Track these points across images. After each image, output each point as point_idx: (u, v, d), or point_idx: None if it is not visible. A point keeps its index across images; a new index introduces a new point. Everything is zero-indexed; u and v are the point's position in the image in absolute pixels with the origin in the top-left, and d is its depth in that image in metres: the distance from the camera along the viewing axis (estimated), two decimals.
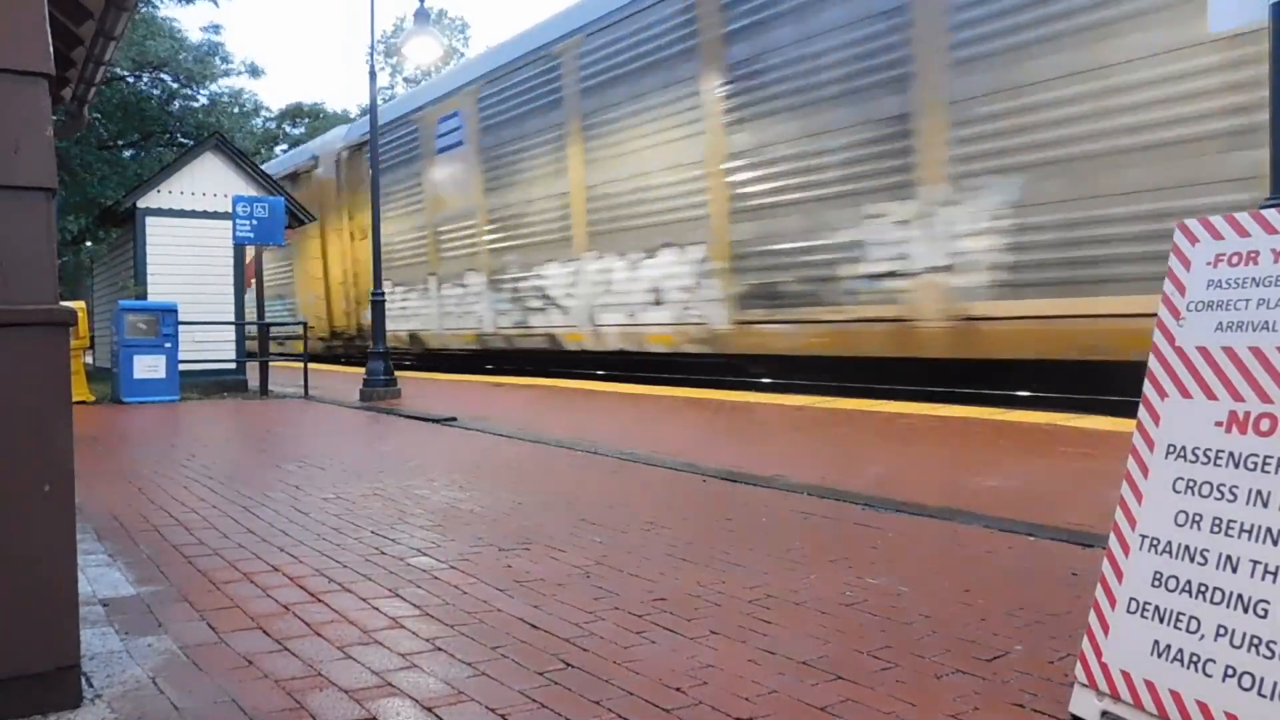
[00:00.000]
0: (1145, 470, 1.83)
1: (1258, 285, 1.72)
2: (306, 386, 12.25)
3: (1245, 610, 1.60)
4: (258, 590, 2.98)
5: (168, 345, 11.16)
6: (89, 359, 15.40)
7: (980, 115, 8.32)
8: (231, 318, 12.83)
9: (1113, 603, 1.81)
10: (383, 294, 12.06)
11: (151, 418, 9.31)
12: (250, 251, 13.40)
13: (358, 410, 10.08)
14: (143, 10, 14.83)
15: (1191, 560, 1.70)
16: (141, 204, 12.54)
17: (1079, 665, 1.85)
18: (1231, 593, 1.62)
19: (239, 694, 2.11)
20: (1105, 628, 1.81)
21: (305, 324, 15.70)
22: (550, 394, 11.28)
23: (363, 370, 11.93)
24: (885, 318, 9.26)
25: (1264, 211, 1.77)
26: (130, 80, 16.33)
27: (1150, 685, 1.70)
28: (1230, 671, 1.59)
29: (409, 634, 2.54)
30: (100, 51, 5.77)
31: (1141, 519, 1.81)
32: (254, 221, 11.85)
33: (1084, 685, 1.83)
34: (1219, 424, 1.72)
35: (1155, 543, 1.78)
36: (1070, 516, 3.90)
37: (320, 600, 2.86)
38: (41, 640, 1.98)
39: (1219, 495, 1.69)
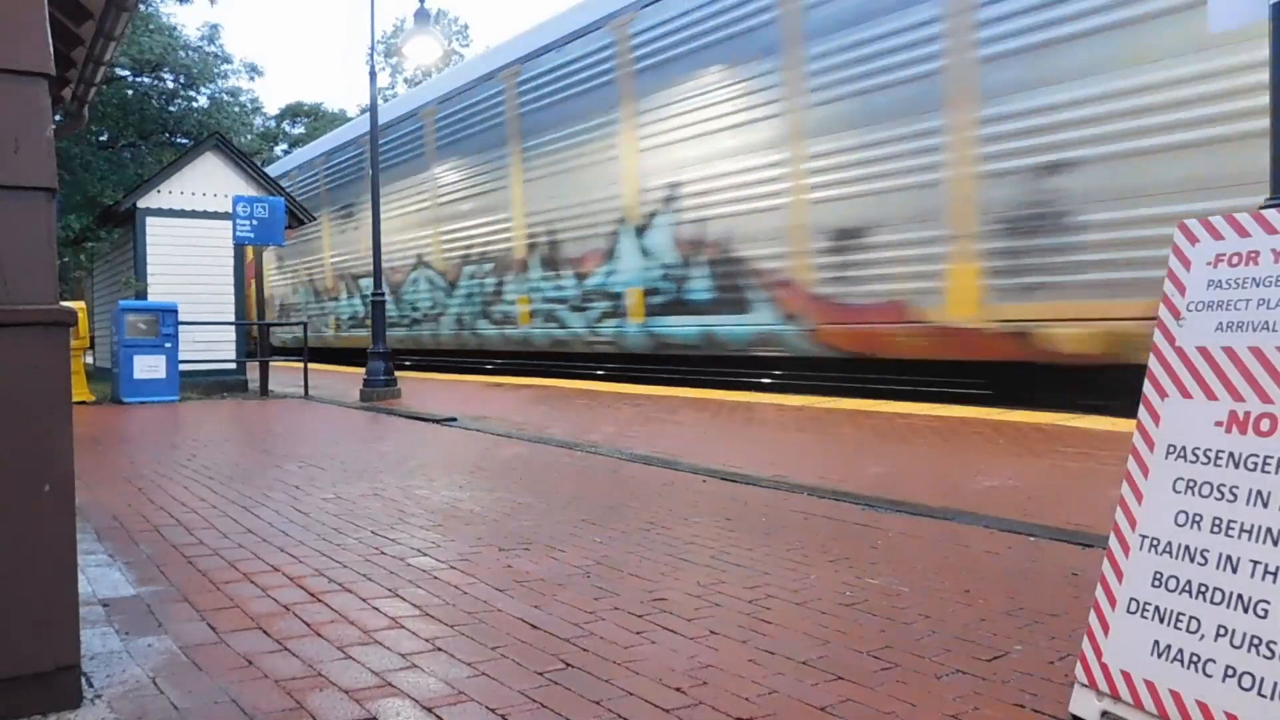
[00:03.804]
0: (1145, 470, 1.83)
1: (1258, 285, 1.72)
2: (306, 386, 12.25)
3: (1245, 610, 1.60)
4: (258, 590, 2.98)
5: (168, 345, 11.16)
6: (89, 359, 15.41)
7: None
8: (231, 318, 12.83)
9: (1113, 603, 1.81)
10: (383, 294, 12.08)
11: (151, 418, 9.31)
12: (250, 252, 13.39)
13: (358, 410, 10.08)
14: (142, 9, 14.82)
15: (1191, 560, 1.70)
16: (141, 204, 12.54)
17: (1079, 665, 1.85)
18: (1231, 593, 1.62)
19: (239, 694, 2.11)
20: (1105, 628, 1.81)
21: (305, 324, 15.74)
22: (549, 394, 11.29)
23: (363, 370, 11.94)
24: None
25: (1264, 211, 1.77)
26: (130, 80, 16.32)
27: (1150, 685, 1.70)
28: (1230, 672, 1.59)
29: (409, 634, 2.54)
30: (100, 52, 5.77)
31: (1141, 519, 1.81)
32: (254, 221, 11.85)
33: (1084, 685, 1.83)
34: (1219, 424, 1.72)
35: (1155, 543, 1.78)
36: (1070, 516, 3.90)
37: (320, 600, 2.86)
38: (41, 640, 1.98)
39: (1219, 495, 1.69)
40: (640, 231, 12.32)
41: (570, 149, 13.63)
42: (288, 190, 20.82)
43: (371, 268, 13.29)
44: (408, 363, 17.79)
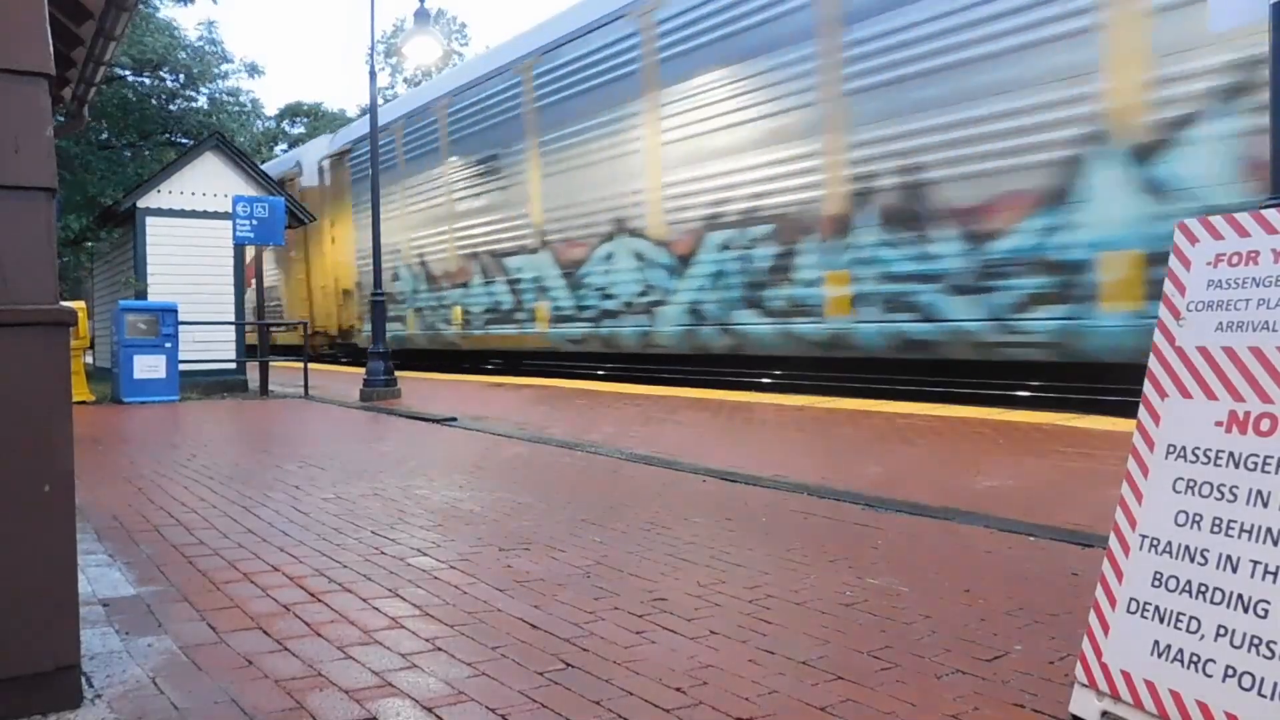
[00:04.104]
0: (1145, 470, 1.83)
1: (1258, 285, 1.72)
2: (306, 386, 12.25)
3: (1245, 610, 1.60)
4: (258, 590, 2.98)
5: (168, 345, 11.16)
6: (89, 359, 15.41)
7: None
8: (231, 318, 12.83)
9: (1113, 603, 1.81)
10: (383, 293, 12.07)
11: (151, 418, 9.31)
12: (250, 252, 13.40)
13: (358, 410, 10.08)
14: (141, 9, 14.83)
15: (1191, 560, 1.70)
16: (141, 204, 12.54)
17: (1079, 665, 1.85)
18: (1231, 593, 1.62)
19: (239, 694, 2.11)
20: (1105, 628, 1.81)
21: (306, 324, 15.74)
22: (549, 394, 11.28)
23: (362, 370, 11.95)
24: None
25: (1264, 211, 1.77)
26: (130, 80, 16.32)
27: (1150, 685, 1.70)
28: (1230, 672, 1.59)
29: (409, 634, 2.54)
30: (100, 51, 5.77)
31: (1141, 519, 1.81)
32: (254, 221, 11.86)
33: (1084, 685, 1.83)
34: (1219, 424, 1.72)
35: (1155, 543, 1.77)
36: (1070, 516, 3.90)
37: (320, 600, 2.86)
38: (42, 640, 1.98)
39: (1219, 495, 1.69)
40: (1142, 153, 7.14)
41: (961, 29, 8.24)
42: (389, 144, 19.48)
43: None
44: (600, 371, 13.64)
